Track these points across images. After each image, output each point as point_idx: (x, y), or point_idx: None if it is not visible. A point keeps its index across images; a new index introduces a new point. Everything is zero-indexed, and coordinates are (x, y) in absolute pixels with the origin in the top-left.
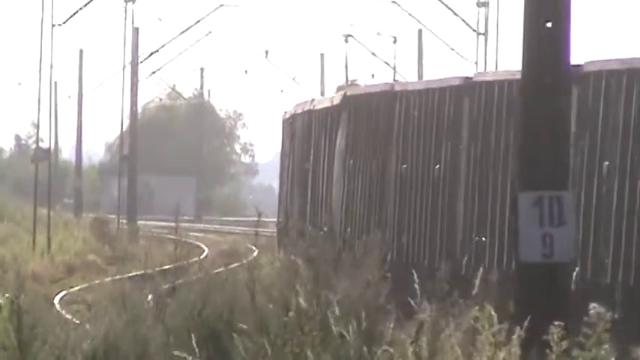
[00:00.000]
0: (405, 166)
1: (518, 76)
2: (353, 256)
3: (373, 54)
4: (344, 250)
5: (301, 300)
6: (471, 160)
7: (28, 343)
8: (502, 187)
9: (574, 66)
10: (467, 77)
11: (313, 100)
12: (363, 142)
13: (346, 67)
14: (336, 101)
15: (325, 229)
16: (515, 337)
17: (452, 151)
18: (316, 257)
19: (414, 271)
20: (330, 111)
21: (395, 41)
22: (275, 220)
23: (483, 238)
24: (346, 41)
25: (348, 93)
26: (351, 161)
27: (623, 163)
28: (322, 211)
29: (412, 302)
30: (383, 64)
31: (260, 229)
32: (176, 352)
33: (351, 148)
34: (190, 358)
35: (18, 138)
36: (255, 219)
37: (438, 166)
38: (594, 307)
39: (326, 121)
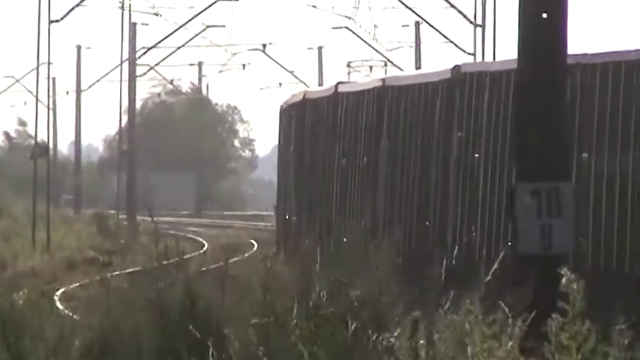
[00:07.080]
0: None
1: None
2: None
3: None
4: None
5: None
6: None
7: (16, 343)
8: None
9: None
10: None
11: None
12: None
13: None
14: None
15: None
16: (513, 329)
17: None
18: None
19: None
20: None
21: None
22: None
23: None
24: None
25: None
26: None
27: None
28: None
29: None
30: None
31: (260, 224)
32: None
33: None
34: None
35: (7, 134)
36: (255, 213)
37: None
38: (565, 274)
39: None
